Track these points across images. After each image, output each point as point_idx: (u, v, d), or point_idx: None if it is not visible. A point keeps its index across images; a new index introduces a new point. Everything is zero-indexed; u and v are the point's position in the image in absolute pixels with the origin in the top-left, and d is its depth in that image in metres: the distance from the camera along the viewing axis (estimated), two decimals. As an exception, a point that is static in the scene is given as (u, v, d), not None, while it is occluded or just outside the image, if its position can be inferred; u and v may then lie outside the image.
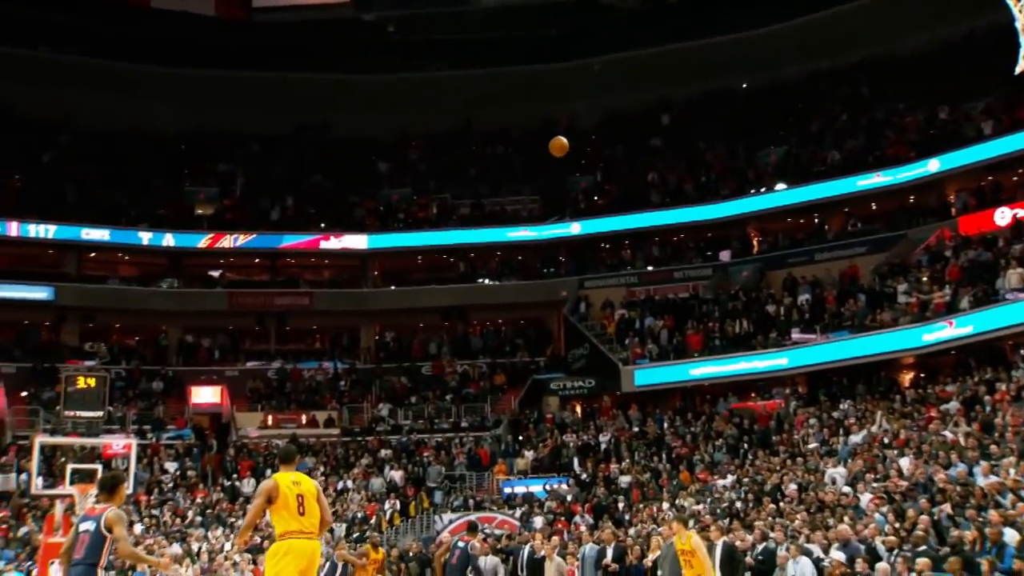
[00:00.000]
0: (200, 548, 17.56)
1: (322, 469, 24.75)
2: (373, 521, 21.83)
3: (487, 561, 12.91)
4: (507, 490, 23.84)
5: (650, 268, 28.58)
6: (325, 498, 6.54)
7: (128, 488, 17.23)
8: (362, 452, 26.24)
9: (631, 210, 28.63)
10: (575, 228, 29.42)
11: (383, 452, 25.95)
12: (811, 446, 18.60)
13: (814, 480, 15.88)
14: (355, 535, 20.47)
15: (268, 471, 23.16)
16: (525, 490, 23.41)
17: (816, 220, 25.60)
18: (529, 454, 24.93)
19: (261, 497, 6.31)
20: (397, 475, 24.51)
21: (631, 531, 17.05)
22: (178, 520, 20.81)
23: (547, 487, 22.97)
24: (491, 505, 23.04)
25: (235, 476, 24.10)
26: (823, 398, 21.48)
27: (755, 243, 27.69)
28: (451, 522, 21.65)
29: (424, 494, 23.67)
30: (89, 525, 5.96)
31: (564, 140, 7.97)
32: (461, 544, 10.99)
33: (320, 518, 6.36)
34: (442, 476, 24.51)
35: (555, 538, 14.07)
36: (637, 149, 29.36)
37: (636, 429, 24.56)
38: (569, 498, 22.04)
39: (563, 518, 20.59)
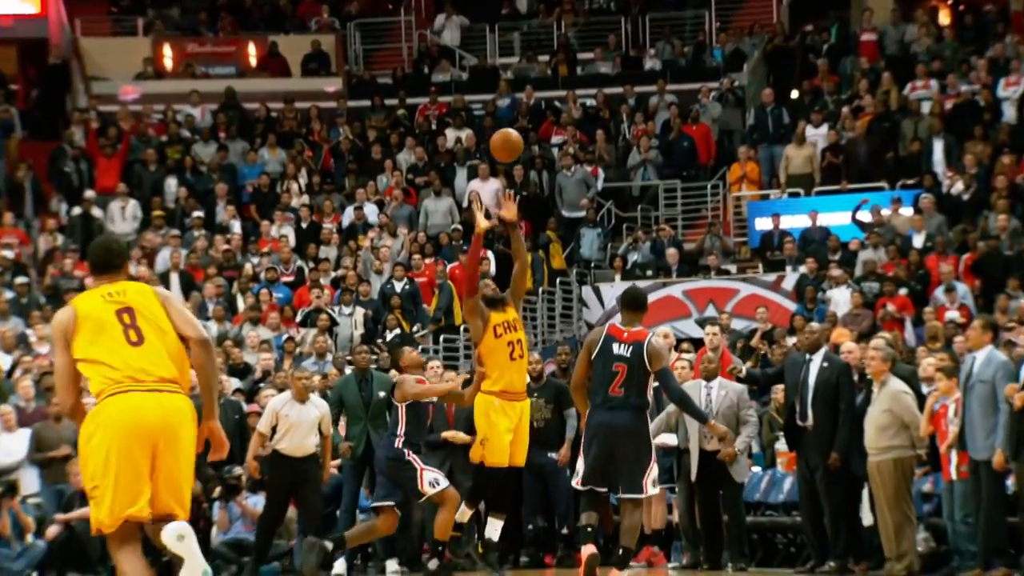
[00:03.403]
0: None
1: (302, 183, 25.35)
2: (435, 304, 22.97)
3: (701, 391, 14.67)
4: (760, 223, 25.23)
5: None
6: (185, 312, 7.62)
7: None
8: (398, 137, 27.23)
9: None
10: None
11: (451, 137, 26.67)
12: None
13: None
14: (389, 335, 21.54)
15: (171, 180, 25.69)
16: (808, 222, 24.56)
17: None
18: (818, 135, 25.38)
19: (58, 348, 7.43)
20: (488, 190, 24.60)
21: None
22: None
23: (862, 215, 23.65)
24: (721, 259, 24.35)
25: (87, 193, 24.95)
26: None
27: None
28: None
29: (555, 236, 24.53)
30: None
31: (512, 136, 11.86)
32: (620, 347, 11.37)
33: (169, 351, 7.36)
34: (595, 191, 25.53)
35: (880, 339, 14.48)
36: None
37: None
38: (919, 240, 22.92)
39: (903, 289, 21.42)
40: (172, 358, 7.30)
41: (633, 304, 11.56)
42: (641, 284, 21.22)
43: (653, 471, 11.19)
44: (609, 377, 11.13)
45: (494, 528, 12.01)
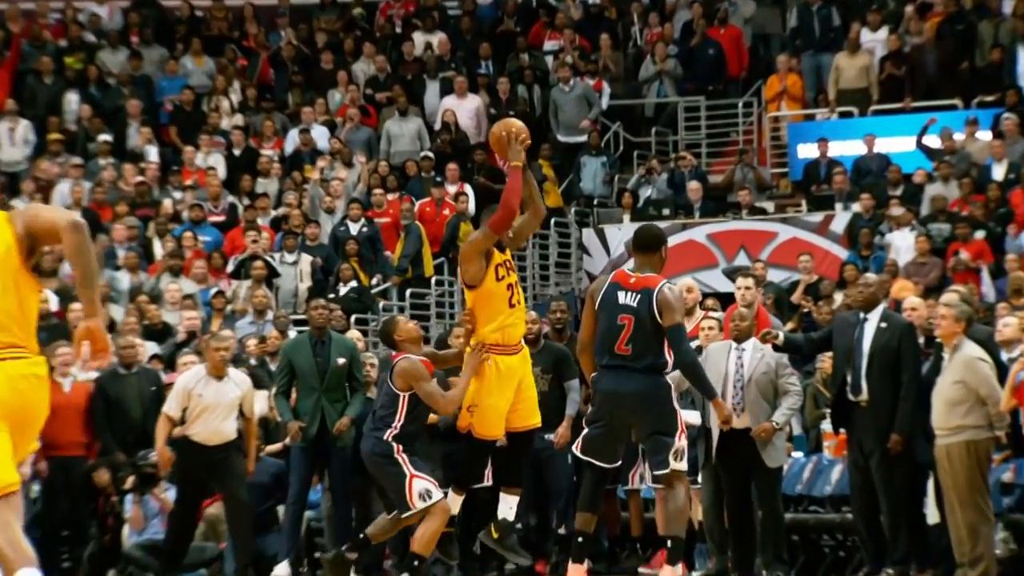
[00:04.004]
0: None
1: (234, 99, 26.38)
2: (400, 250, 23.12)
3: (731, 354, 14.58)
4: (803, 150, 25.41)
5: None
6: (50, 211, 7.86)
7: None
8: (354, 42, 27.86)
9: None
10: None
11: (419, 43, 27.47)
12: None
13: None
14: (343, 289, 21.92)
15: (71, 95, 26.11)
16: (862, 149, 24.87)
17: None
18: (876, 41, 25.92)
19: None
20: (466, 109, 25.38)
21: None
22: None
23: (929, 140, 23.87)
24: (754, 194, 24.75)
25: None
26: None
27: None
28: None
29: (549, 166, 25.05)
30: None
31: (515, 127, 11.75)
32: (626, 295, 11.50)
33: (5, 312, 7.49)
34: (599, 111, 26.08)
35: (951, 294, 14.56)
36: None
37: None
38: (999, 170, 23.16)
39: (980, 232, 21.80)
40: (11, 320, 7.44)
41: (645, 244, 11.53)
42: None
43: (677, 443, 11.11)
44: (615, 332, 11.11)
45: (508, 506, 11.85)
